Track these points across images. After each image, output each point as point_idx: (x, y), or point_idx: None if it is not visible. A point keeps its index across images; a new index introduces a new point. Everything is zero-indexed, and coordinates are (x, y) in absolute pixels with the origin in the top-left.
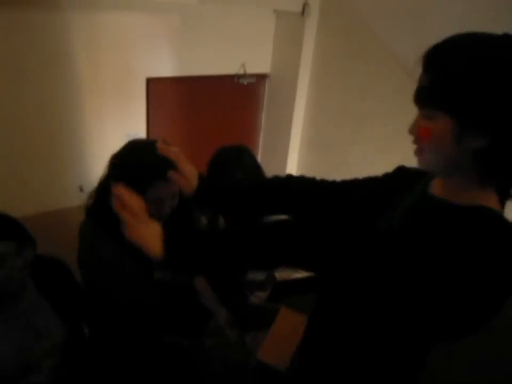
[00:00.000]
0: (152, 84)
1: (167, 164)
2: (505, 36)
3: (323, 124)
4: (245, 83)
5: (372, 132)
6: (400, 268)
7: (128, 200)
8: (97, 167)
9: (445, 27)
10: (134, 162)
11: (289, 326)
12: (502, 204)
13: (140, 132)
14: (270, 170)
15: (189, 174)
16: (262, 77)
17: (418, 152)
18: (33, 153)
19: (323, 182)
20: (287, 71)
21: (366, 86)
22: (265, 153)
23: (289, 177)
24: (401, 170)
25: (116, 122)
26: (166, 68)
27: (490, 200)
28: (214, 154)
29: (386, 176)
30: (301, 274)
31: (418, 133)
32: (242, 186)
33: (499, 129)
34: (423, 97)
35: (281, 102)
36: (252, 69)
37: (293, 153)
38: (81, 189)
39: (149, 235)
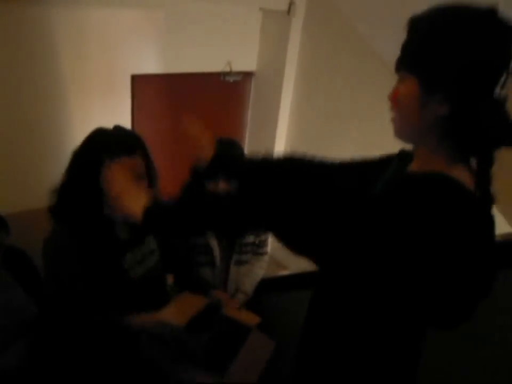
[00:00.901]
0: (137, 80)
1: (121, 142)
2: (487, 10)
3: (309, 121)
4: (231, 81)
5: (356, 129)
6: (371, 234)
7: (117, 180)
8: None
9: None
10: (84, 144)
11: (257, 349)
12: (480, 184)
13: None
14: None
15: (204, 144)
16: (247, 75)
17: (392, 120)
18: (18, 150)
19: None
20: (273, 69)
21: (350, 84)
22: (251, 151)
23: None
24: (401, 151)
25: (101, 119)
26: (151, 65)
27: (456, 173)
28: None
29: (386, 156)
30: (286, 272)
31: (391, 97)
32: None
33: (461, 97)
34: (397, 60)
35: (267, 100)
36: (238, 67)
37: (278, 150)
38: None
39: (135, 205)
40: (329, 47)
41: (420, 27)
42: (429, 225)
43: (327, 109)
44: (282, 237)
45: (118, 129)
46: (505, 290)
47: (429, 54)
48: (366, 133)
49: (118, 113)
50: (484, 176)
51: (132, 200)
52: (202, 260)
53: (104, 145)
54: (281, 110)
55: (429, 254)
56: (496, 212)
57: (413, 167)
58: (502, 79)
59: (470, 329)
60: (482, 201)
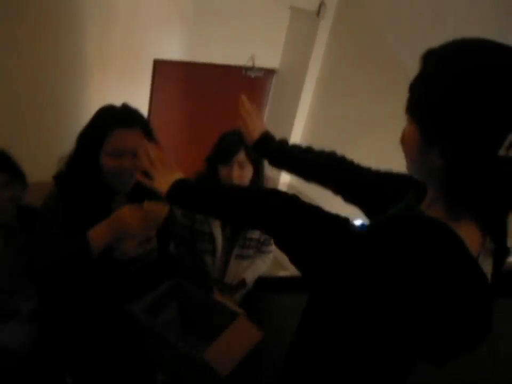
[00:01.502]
0: (159, 65)
1: (127, 114)
2: (504, 51)
3: (324, 126)
4: (252, 76)
5: (371, 141)
6: (361, 269)
7: (152, 154)
8: None
9: (455, 34)
10: (93, 117)
11: (242, 335)
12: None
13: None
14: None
15: (252, 128)
16: (269, 72)
17: (405, 156)
18: (38, 123)
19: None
20: (296, 69)
21: (371, 93)
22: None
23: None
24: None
25: (119, 99)
26: (174, 51)
27: (460, 224)
28: (219, 138)
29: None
30: (285, 273)
31: (400, 137)
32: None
33: (456, 155)
34: (406, 101)
35: (286, 99)
36: (261, 63)
37: None
38: None
39: (164, 179)
40: (354, 53)
41: (424, 69)
42: (411, 272)
43: (344, 116)
44: (279, 241)
45: (124, 105)
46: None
47: (429, 104)
48: (379, 145)
49: (136, 96)
50: (494, 232)
51: (161, 175)
52: (205, 247)
53: (109, 116)
54: (298, 111)
55: (405, 300)
56: None
57: (424, 205)
58: (509, 138)
59: None
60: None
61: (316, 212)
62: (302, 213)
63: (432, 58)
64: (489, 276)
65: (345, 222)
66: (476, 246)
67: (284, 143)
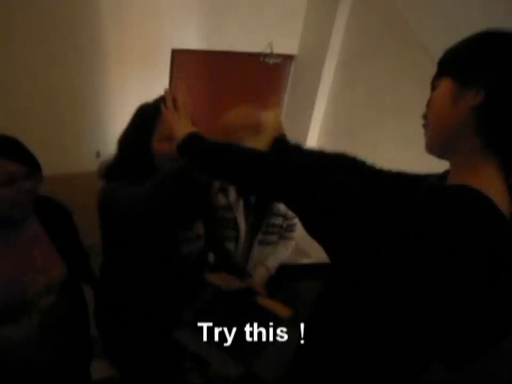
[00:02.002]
0: (177, 55)
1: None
2: None
3: (346, 111)
4: (271, 62)
5: (395, 123)
6: (387, 241)
7: (180, 98)
8: (115, 134)
9: (480, 26)
10: (137, 113)
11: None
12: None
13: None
14: None
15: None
16: (288, 58)
17: (425, 134)
18: (54, 114)
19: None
20: (315, 54)
21: (392, 76)
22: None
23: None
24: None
25: (138, 91)
26: (192, 40)
27: (488, 179)
28: None
29: (429, 174)
30: (308, 260)
31: (427, 106)
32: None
33: (494, 83)
34: (433, 77)
35: (305, 85)
36: (279, 49)
37: (311, 139)
38: (98, 155)
39: (183, 126)
40: (374, 36)
41: (456, 46)
42: (445, 245)
43: (366, 100)
44: (303, 215)
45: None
46: None
47: (464, 53)
48: (404, 127)
49: (155, 85)
50: None
51: (181, 122)
52: (229, 234)
53: (153, 105)
54: (318, 97)
55: (439, 275)
56: None
57: (451, 180)
58: None
59: None
60: None
61: (344, 182)
62: (330, 183)
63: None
64: None
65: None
66: (505, 202)
67: (298, 146)
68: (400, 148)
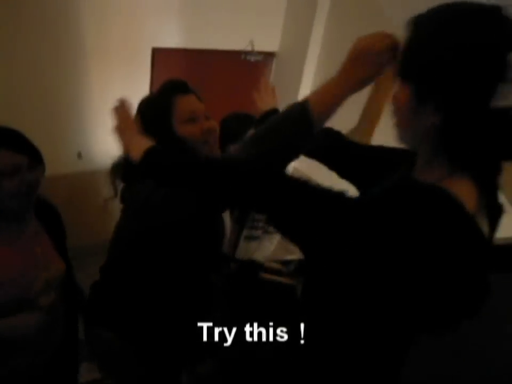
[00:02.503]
0: (158, 54)
1: (181, 83)
2: (490, 10)
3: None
4: (252, 60)
5: (380, 122)
6: (355, 235)
7: (126, 115)
8: (97, 134)
9: None
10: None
11: None
12: (485, 196)
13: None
14: None
15: (265, 101)
16: (269, 55)
17: (394, 125)
18: (34, 115)
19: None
20: (296, 51)
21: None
22: None
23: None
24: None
25: (119, 90)
26: (172, 39)
27: (453, 184)
28: (221, 121)
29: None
30: (292, 256)
31: (391, 101)
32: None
33: (452, 107)
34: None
35: (287, 82)
36: (260, 47)
37: None
38: (79, 156)
39: (138, 144)
40: (355, 31)
41: (415, 32)
42: (411, 239)
43: (349, 98)
44: (272, 214)
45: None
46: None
47: (422, 61)
48: (386, 123)
49: (137, 85)
50: (488, 188)
51: (133, 138)
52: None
53: (167, 88)
54: (300, 94)
55: (407, 265)
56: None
57: (416, 173)
58: (500, 89)
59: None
60: (486, 214)
61: (309, 186)
62: (297, 189)
63: (423, 21)
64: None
65: (341, 193)
66: (472, 203)
67: None
68: (381, 138)
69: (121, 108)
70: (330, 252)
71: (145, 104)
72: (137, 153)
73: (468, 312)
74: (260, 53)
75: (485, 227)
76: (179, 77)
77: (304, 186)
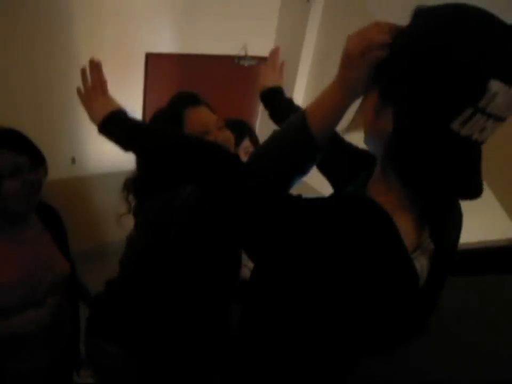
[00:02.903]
0: (151, 59)
1: (191, 94)
2: (490, 27)
3: None
4: (245, 65)
5: None
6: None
7: (95, 76)
8: (90, 139)
9: None
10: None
11: None
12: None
13: (136, 106)
14: None
15: (271, 77)
16: (263, 60)
17: (362, 123)
18: (27, 120)
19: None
20: (289, 55)
21: None
22: (262, 139)
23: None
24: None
25: (112, 95)
26: (166, 44)
27: (394, 204)
28: None
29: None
30: None
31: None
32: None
33: (406, 118)
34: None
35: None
36: (254, 51)
37: None
38: (73, 161)
39: (101, 105)
40: (348, 35)
41: (396, 38)
42: (344, 252)
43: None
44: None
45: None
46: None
47: (392, 62)
48: None
49: (130, 90)
50: (434, 223)
51: (99, 101)
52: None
53: (177, 100)
54: (294, 99)
55: (337, 281)
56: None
57: (369, 184)
58: (465, 114)
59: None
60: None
61: (259, 182)
62: (244, 182)
63: (416, 21)
64: (424, 275)
65: (298, 196)
66: (410, 236)
67: (290, 100)
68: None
69: (91, 68)
70: (271, 256)
71: (155, 118)
72: (102, 111)
73: (397, 341)
74: (253, 57)
75: (422, 264)
76: (172, 81)
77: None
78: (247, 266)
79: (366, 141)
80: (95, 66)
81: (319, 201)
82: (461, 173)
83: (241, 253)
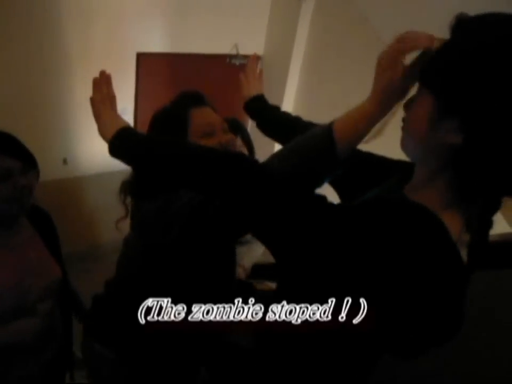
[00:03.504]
0: (142, 59)
1: (197, 94)
2: None
3: (314, 110)
4: (237, 64)
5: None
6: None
7: (107, 88)
8: (82, 140)
9: (443, 20)
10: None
11: None
12: (477, 232)
13: (128, 106)
14: (257, 154)
15: (251, 86)
16: None
17: (402, 131)
18: (18, 121)
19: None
20: (280, 54)
21: (359, 74)
22: (254, 137)
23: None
24: (409, 164)
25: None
26: (157, 43)
27: (445, 215)
28: None
29: (402, 162)
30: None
31: (405, 106)
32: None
33: (480, 129)
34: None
35: (272, 86)
36: (245, 50)
37: None
38: (65, 162)
39: (113, 119)
40: (338, 34)
41: (451, 41)
42: (389, 254)
43: (333, 99)
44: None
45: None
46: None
47: (456, 69)
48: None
49: (122, 90)
50: (482, 223)
51: (108, 115)
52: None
53: (182, 100)
54: (285, 98)
55: (384, 282)
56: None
57: (408, 188)
58: None
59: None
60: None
61: (288, 185)
62: (275, 186)
63: (471, 24)
64: None
65: (323, 198)
66: (456, 234)
67: (275, 107)
68: (368, 145)
69: (101, 80)
70: (303, 256)
71: (158, 117)
72: (110, 129)
73: (436, 340)
74: (244, 56)
75: (463, 254)
76: (164, 81)
77: (286, 185)
78: (242, 266)
79: (407, 148)
80: (105, 79)
81: (356, 206)
82: None
83: (235, 252)
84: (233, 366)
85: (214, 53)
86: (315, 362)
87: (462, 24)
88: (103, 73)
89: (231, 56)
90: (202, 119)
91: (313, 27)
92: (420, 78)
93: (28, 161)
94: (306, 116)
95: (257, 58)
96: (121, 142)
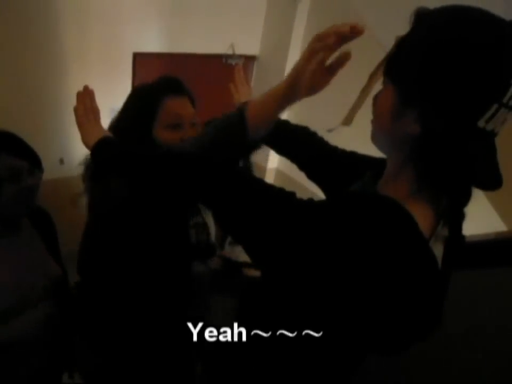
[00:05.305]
0: (139, 59)
1: (176, 82)
2: (502, 33)
3: (309, 110)
4: (233, 64)
5: (358, 124)
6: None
7: (91, 102)
8: (79, 140)
9: None
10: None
11: None
12: (448, 224)
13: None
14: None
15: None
16: (250, 59)
17: (372, 124)
18: (14, 122)
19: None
20: (276, 54)
21: (354, 76)
22: None
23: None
24: (382, 160)
25: (100, 95)
26: (153, 43)
27: (415, 206)
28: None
29: (377, 160)
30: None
31: (373, 100)
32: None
33: (435, 120)
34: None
35: (268, 86)
36: (241, 50)
37: None
38: (61, 162)
39: (94, 131)
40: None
41: (413, 32)
42: (356, 249)
43: (328, 99)
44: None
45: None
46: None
47: (414, 60)
48: (362, 131)
49: (118, 90)
50: (454, 215)
51: (91, 127)
52: (200, 237)
53: (157, 86)
54: None
55: (356, 278)
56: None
57: (381, 182)
58: (491, 111)
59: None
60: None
61: (261, 183)
62: (249, 185)
63: (429, 16)
64: (439, 261)
65: (292, 194)
66: (428, 228)
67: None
68: (359, 149)
69: (84, 94)
70: (276, 254)
71: (133, 97)
72: (92, 138)
73: (414, 336)
74: (240, 56)
75: (438, 252)
76: None
77: (258, 183)
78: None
79: (376, 141)
80: (88, 94)
81: (328, 201)
82: (485, 166)
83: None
84: (227, 363)
85: (210, 53)
86: (300, 359)
87: (421, 18)
88: (86, 88)
89: (227, 56)
90: (173, 109)
91: (309, 27)
92: (384, 71)
93: (34, 162)
94: (301, 116)
95: (241, 68)
96: (101, 152)
